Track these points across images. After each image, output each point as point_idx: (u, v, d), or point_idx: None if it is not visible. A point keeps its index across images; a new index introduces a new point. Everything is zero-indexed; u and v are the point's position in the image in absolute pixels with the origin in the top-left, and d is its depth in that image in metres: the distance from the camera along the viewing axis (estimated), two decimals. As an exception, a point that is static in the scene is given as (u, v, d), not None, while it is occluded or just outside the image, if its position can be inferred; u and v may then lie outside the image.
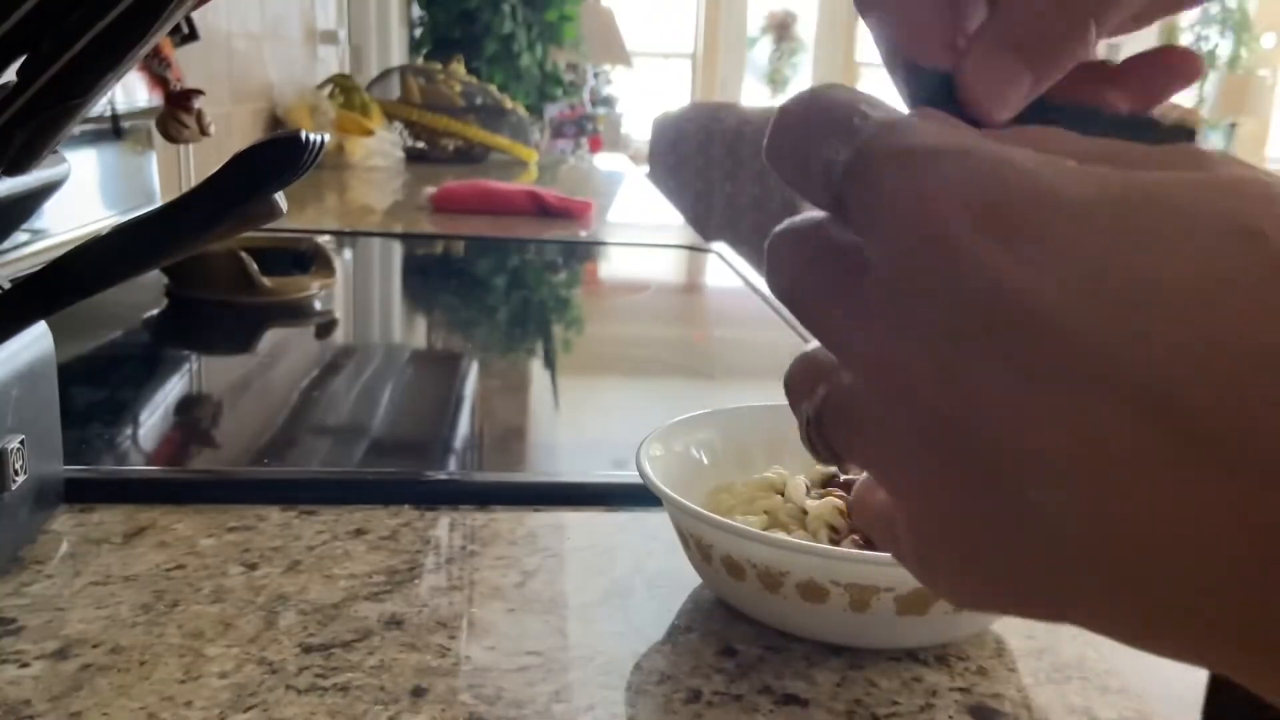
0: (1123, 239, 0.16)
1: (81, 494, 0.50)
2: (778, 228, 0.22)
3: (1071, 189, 0.17)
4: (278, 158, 0.37)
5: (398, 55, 3.51)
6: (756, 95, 7.66)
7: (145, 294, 0.94)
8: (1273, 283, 0.15)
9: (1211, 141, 7.37)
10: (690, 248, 1.40)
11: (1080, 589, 0.18)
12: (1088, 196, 0.17)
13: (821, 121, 0.21)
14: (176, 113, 1.14)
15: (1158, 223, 0.16)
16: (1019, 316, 0.17)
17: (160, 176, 1.27)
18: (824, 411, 0.22)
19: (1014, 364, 0.17)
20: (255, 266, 0.90)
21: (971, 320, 0.17)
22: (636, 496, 0.52)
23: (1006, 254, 0.17)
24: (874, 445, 0.21)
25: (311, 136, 0.37)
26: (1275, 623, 0.16)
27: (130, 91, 1.16)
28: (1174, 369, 0.16)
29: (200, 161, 1.45)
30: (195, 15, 1.18)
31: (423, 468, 0.59)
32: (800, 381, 0.23)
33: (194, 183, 0.36)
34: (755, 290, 1.09)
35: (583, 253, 1.40)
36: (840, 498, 0.43)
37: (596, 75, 5.61)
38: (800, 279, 0.22)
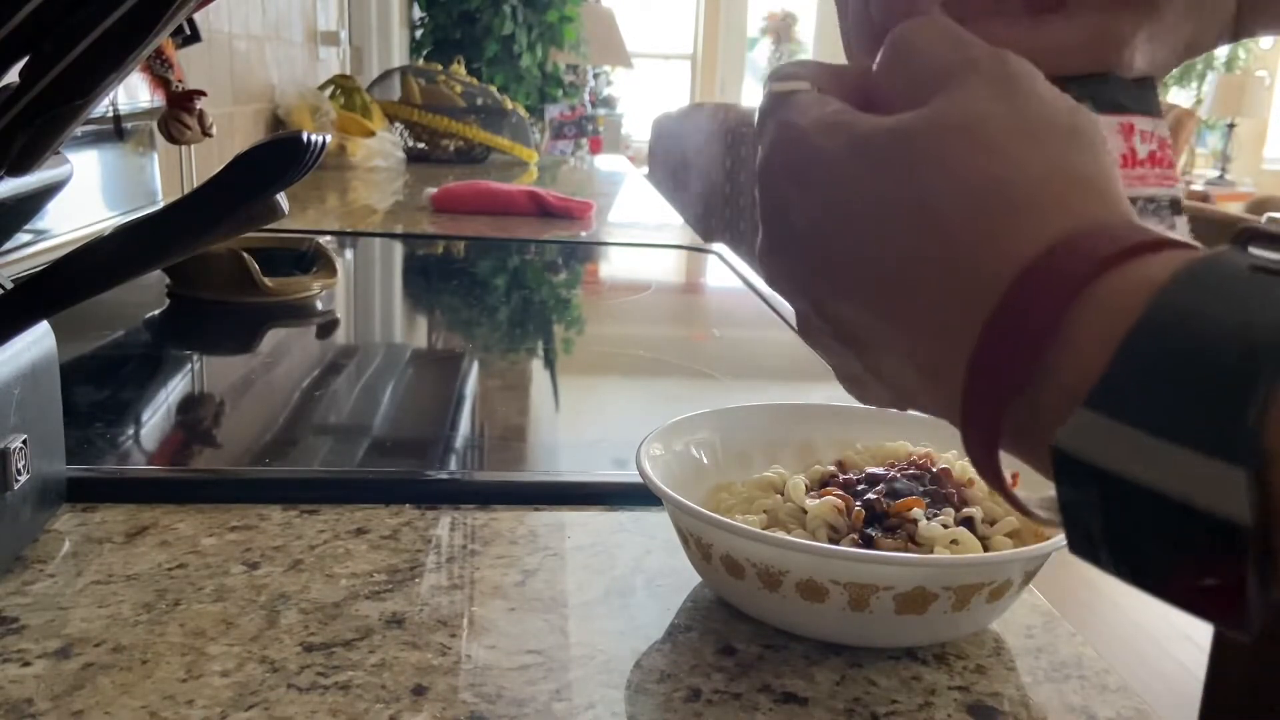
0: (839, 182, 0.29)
1: (84, 493, 0.50)
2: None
3: (823, 141, 0.30)
4: (279, 158, 0.38)
5: (398, 56, 3.51)
6: (756, 96, 7.65)
7: (147, 294, 0.94)
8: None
9: (1209, 141, 7.37)
10: (690, 248, 1.41)
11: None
12: (834, 146, 0.29)
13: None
14: (178, 113, 1.14)
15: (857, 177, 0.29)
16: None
17: (162, 177, 1.27)
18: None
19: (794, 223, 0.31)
20: (257, 267, 0.91)
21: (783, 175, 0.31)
22: (636, 496, 0.52)
23: (792, 186, 0.30)
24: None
25: (313, 137, 0.37)
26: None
27: (132, 92, 1.17)
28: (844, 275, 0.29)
29: (202, 162, 1.45)
30: (197, 16, 1.18)
31: (424, 467, 0.59)
32: None
33: (196, 183, 0.37)
34: (755, 290, 1.09)
35: (583, 253, 1.40)
36: (840, 497, 0.43)
37: (596, 76, 5.60)
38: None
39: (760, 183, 0.32)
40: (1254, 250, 0.23)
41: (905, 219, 0.27)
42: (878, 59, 0.31)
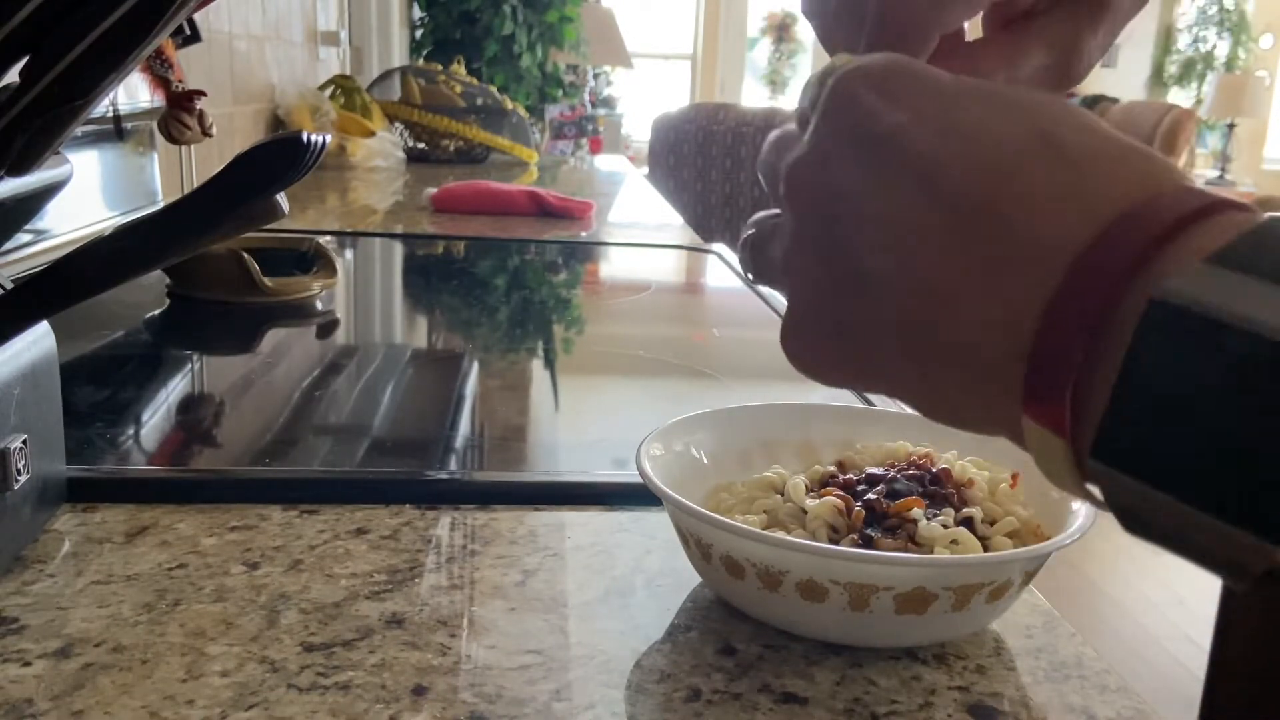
0: (953, 103, 0.27)
1: (84, 493, 0.50)
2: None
3: (934, 76, 0.28)
4: (279, 158, 0.38)
5: (398, 56, 3.51)
6: (756, 96, 7.66)
7: (147, 294, 0.94)
8: (1017, 137, 0.26)
9: (1209, 141, 7.38)
10: (690, 248, 1.41)
11: (887, 337, 0.28)
12: (943, 81, 0.28)
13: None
14: (178, 114, 1.14)
15: (973, 101, 0.27)
16: (885, 140, 0.27)
17: (162, 177, 1.27)
18: (758, 236, 0.33)
19: (874, 171, 0.28)
20: (257, 267, 0.91)
21: (853, 142, 0.28)
22: (636, 496, 0.52)
23: (887, 105, 0.28)
24: (782, 254, 0.31)
25: (313, 137, 0.37)
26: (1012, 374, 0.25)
27: (132, 92, 1.17)
28: (953, 168, 0.26)
29: (202, 162, 1.45)
30: (197, 17, 1.18)
31: (424, 467, 0.59)
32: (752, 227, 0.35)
33: (196, 183, 0.37)
34: (755, 290, 1.09)
35: (583, 253, 1.40)
36: (840, 497, 0.43)
37: (596, 76, 5.60)
38: (768, 156, 0.33)
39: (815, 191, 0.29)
40: None
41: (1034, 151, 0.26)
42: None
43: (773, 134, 0.34)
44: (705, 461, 0.50)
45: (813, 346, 0.30)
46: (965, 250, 0.26)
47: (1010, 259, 0.25)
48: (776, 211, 0.32)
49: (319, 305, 0.96)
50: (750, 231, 0.34)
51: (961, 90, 0.28)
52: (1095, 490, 0.25)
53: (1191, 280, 0.22)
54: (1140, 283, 0.23)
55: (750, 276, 0.35)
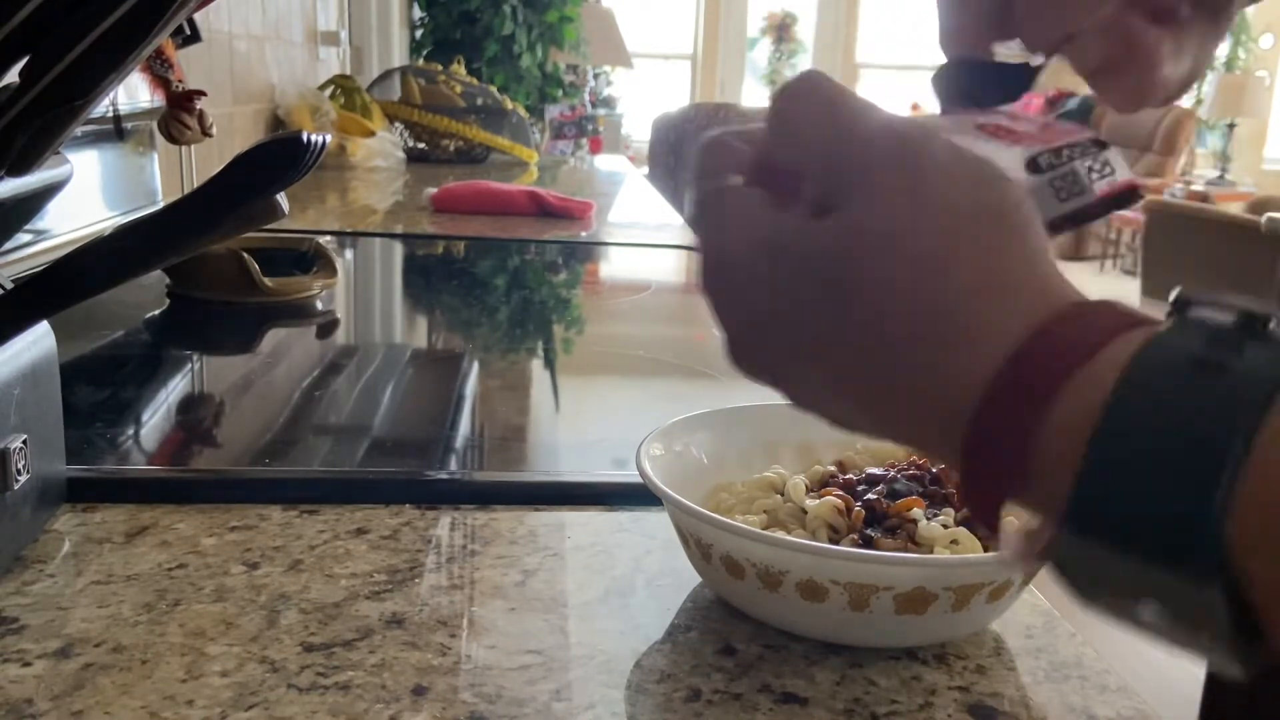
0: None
1: (84, 493, 0.50)
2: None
3: (748, 254, 0.29)
4: (279, 158, 0.38)
5: (398, 56, 3.51)
6: (756, 96, 7.66)
7: (147, 294, 0.94)
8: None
9: (1209, 141, 7.37)
10: (690, 248, 1.40)
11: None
12: (759, 256, 0.29)
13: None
14: (178, 114, 1.14)
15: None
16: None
17: (162, 177, 1.27)
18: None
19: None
20: (257, 267, 0.91)
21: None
22: (636, 496, 0.52)
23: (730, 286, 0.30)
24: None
25: (313, 137, 0.37)
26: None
27: (132, 92, 1.16)
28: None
29: (202, 162, 1.45)
30: (197, 17, 1.18)
31: (424, 467, 0.59)
32: None
33: (196, 183, 0.37)
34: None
35: (583, 253, 1.40)
36: (840, 497, 0.43)
37: (597, 76, 5.60)
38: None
39: (703, 283, 0.31)
40: (1195, 315, 0.23)
41: (856, 335, 0.27)
42: (766, 127, 0.30)
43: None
44: (705, 461, 0.50)
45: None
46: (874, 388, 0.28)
47: (921, 403, 0.27)
48: None
49: (319, 305, 0.96)
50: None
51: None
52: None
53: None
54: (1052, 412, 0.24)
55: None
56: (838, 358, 0.28)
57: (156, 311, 0.91)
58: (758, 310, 0.29)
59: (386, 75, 2.41)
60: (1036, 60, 0.36)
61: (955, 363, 0.26)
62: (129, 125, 1.16)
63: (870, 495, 0.44)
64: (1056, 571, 0.25)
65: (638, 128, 6.18)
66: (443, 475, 0.57)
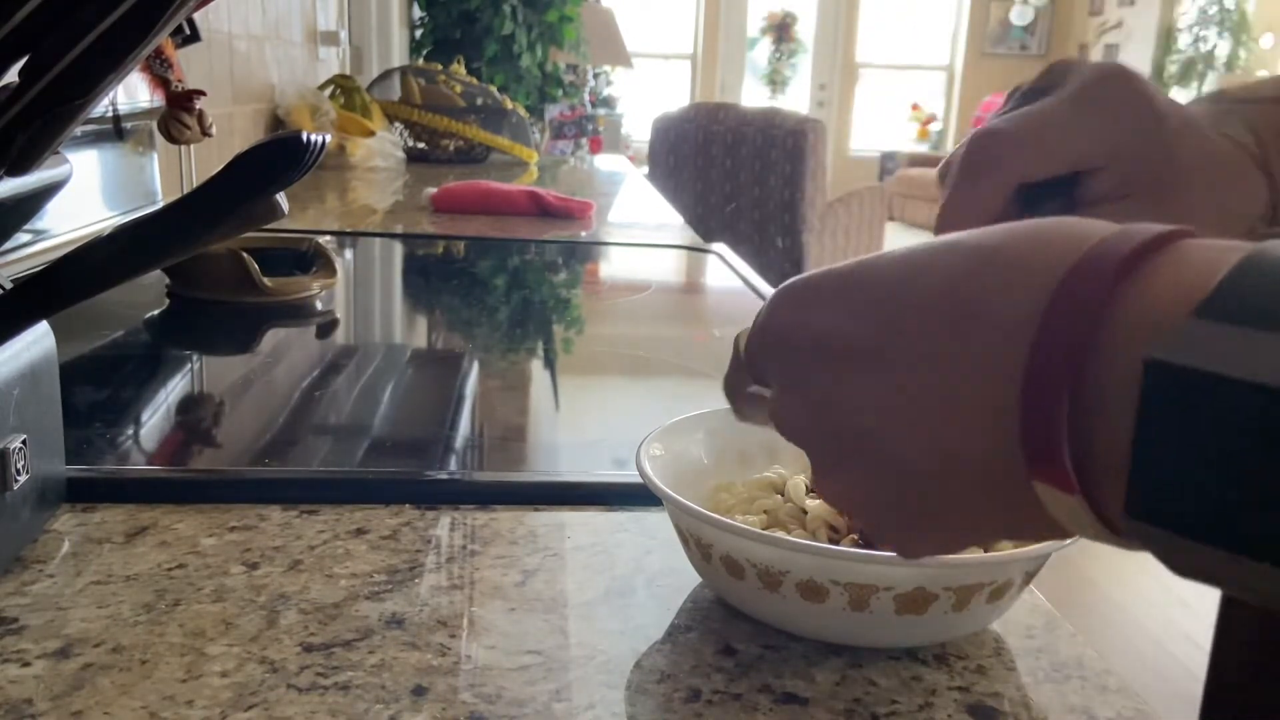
0: (851, 281, 0.31)
1: (83, 493, 0.50)
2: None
3: (822, 276, 0.32)
4: (279, 158, 0.37)
5: (398, 56, 3.51)
6: (756, 96, 7.66)
7: (146, 294, 0.94)
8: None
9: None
10: (690, 248, 1.40)
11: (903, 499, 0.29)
12: (833, 273, 0.32)
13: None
14: (178, 113, 1.14)
15: (868, 270, 0.31)
16: (819, 342, 0.31)
17: (162, 177, 1.27)
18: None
19: (828, 370, 0.30)
20: (256, 267, 0.91)
21: (800, 362, 0.32)
22: (636, 496, 0.52)
23: (801, 317, 0.32)
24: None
25: (312, 137, 0.37)
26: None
27: (132, 92, 1.17)
28: (896, 323, 0.29)
29: (201, 162, 1.45)
30: (197, 16, 1.18)
31: (423, 467, 0.59)
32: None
33: (195, 183, 0.37)
34: (755, 290, 1.09)
35: (583, 253, 1.40)
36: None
37: (596, 76, 5.60)
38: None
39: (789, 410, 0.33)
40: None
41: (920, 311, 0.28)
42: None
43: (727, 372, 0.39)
44: (705, 461, 0.50)
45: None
46: (941, 383, 0.27)
47: (975, 382, 0.27)
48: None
49: (319, 305, 0.96)
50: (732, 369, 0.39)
51: (848, 270, 0.31)
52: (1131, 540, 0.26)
53: (1185, 340, 0.22)
54: (1111, 323, 0.24)
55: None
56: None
57: (156, 311, 0.91)
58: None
59: (386, 75, 2.41)
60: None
61: (1013, 303, 0.26)
62: (129, 125, 1.16)
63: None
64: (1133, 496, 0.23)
65: (638, 128, 6.18)
66: (443, 475, 0.57)
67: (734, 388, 0.38)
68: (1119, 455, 0.23)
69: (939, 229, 0.40)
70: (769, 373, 0.33)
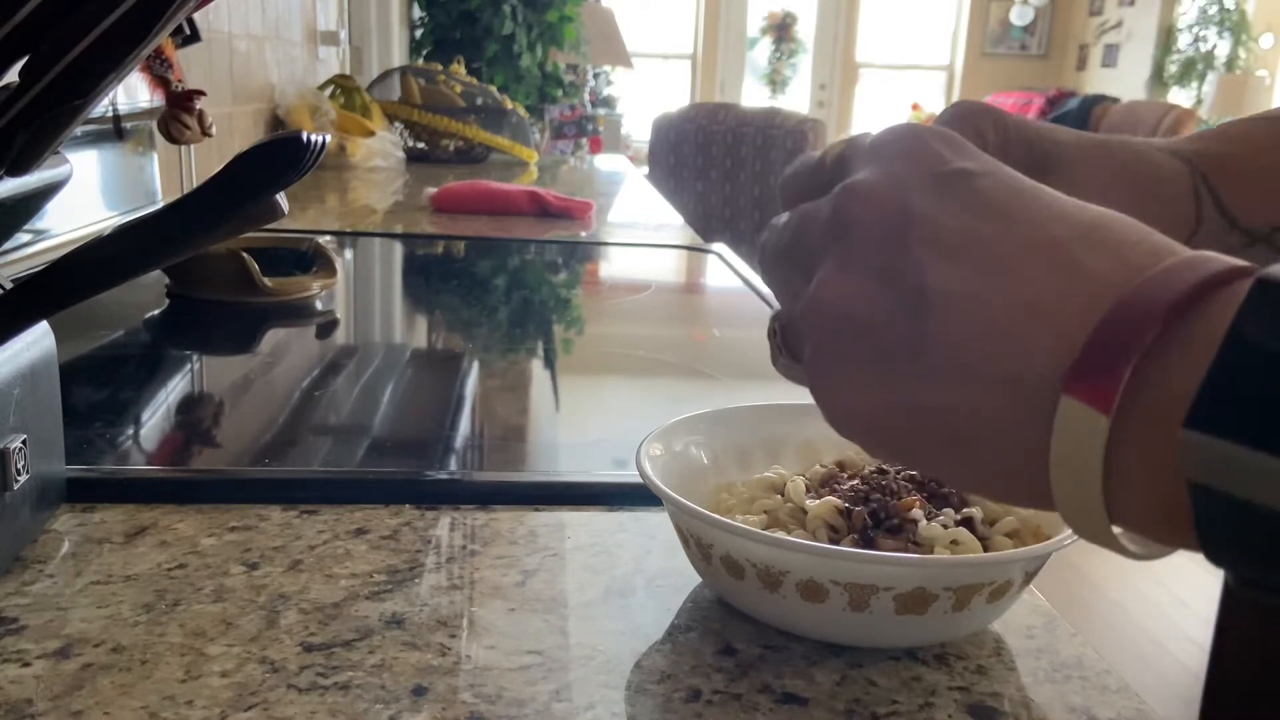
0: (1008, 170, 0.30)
1: (83, 493, 0.50)
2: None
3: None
4: (279, 158, 0.37)
5: (398, 56, 3.51)
6: (756, 96, 7.66)
7: (147, 294, 0.94)
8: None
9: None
10: (690, 248, 1.40)
11: (933, 357, 0.28)
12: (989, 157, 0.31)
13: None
14: (178, 113, 1.14)
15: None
16: (960, 176, 0.29)
17: (162, 177, 1.27)
18: (788, 323, 0.34)
19: (950, 198, 0.29)
20: (256, 267, 0.91)
21: (927, 171, 0.30)
22: (636, 496, 0.52)
23: (955, 153, 0.30)
24: (823, 279, 0.31)
25: (313, 137, 0.37)
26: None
27: (132, 92, 1.17)
28: (1027, 211, 0.28)
29: (201, 162, 1.45)
30: (197, 16, 1.18)
31: (423, 467, 0.59)
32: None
33: (195, 183, 0.37)
34: (755, 290, 1.09)
35: (583, 253, 1.40)
36: (839, 497, 0.43)
37: (597, 76, 5.60)
38: (802, 179, 0.35)
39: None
40: None
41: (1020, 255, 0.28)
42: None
43: (797, 164, 0.35)
44: (705, 461, 0.50)
45: (849, 383, 0.30)
46: (1034, 278, 0.27)
47: (1075, 290, 0.26)
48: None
49: (319, 305, 0.96)
50: (777, 321, 0.35)
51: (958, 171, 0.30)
52: (1122, 538, 0.26)
53: None
54: (1215, 295, 0.24)
55: (782, 357, 0.35)
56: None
57: (156, 311, 0.91)
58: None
59: (386, 75, 2.41)
60: None
61: (1135, 255, 0.26)
62: (129, 125, 1.16)
63: (871, 496, 0.44)
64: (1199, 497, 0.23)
65: (638, 128, 6.18)
66: (443, 475, 0.57)
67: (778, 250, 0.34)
68: (1184, 386, 0.23)
69: None
70: (833, 236, 0.31)
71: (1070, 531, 0.41)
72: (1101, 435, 0.24)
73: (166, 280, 0.94)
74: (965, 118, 0.40)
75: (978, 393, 0.27)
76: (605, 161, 3.04)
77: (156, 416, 0.67)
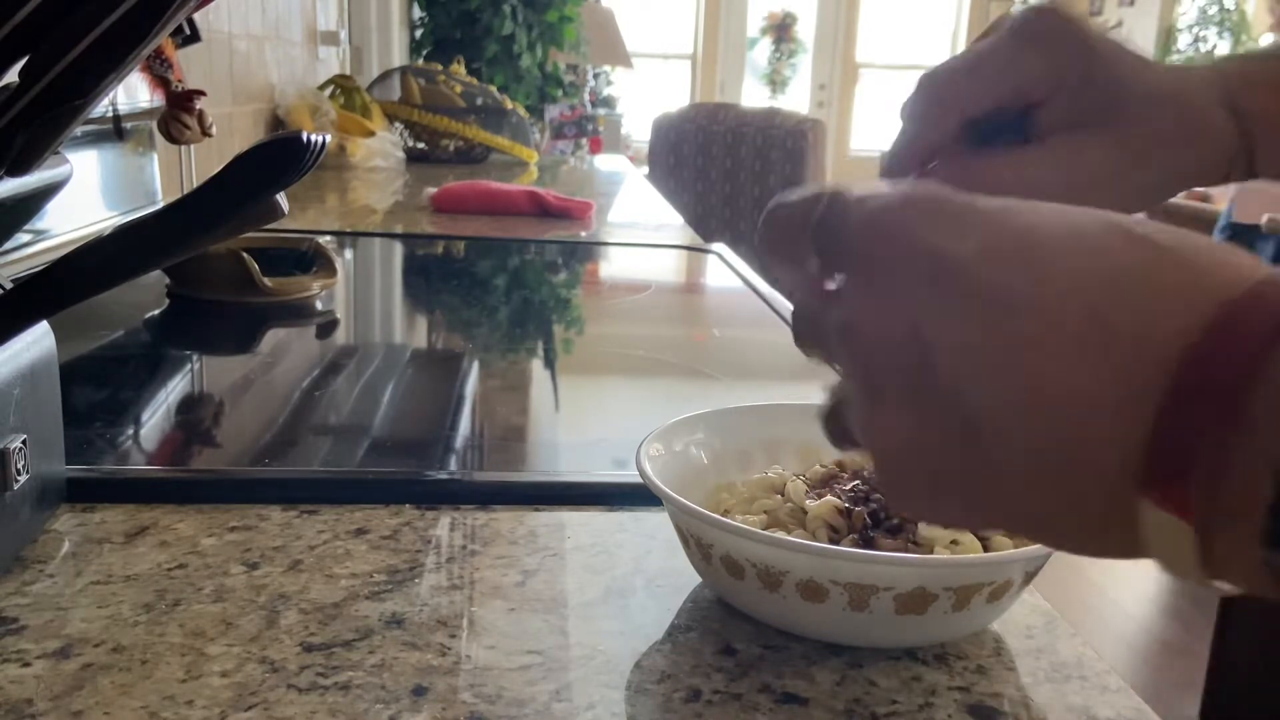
0: (1010, 225, 0.26)
1: (83, 493, 0.50)
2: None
3: (973, 200, 0.27)
4: (279, 158, 0.38)
5: (398, 56, 3.51)
6: (756, 96, 7.66)
7: (147, 294, 0.94)
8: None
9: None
10: (690, 248, 1.40)
11: (1001, 472, 0.26)
12: (987, 204, 0.27)
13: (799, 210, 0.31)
14: (178, 113, 1.14)
15: (1029, 219, 0.27)
16: (959, 272, 0.26)
17: (162, 177, 1.27)
18: (835, 405, 0.31)
19: (955, 305, 0.26)
20: (257, 267, 0.91)
21: (921, 281, 0.26)
22: (636, 496, 0.52)
23: (945, 236, 0.26)
24: (861, 421, 0.29)
25: (313, 137, 0.37)
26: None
27: (132, 92, 1.17)
28: (1047, 287, 0.25)
29: (201, 162, 1.45)
30: (197, 16, 1.18)
31: (423, 467, 0.59)
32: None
33: (195, 183, 0.37)
34: (755, 290, 1.09)
35: (583, 253, 1.40)
36: (839, 497, 0.43)
37: (596, 76, 5.60)
38: (805, 324, 0.31)
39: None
40: None
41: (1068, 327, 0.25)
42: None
43: (776, 209, 0.32)
44: (705, 461, 0.50)
45: (933, 507, 0.29)
46: (1080, 364, 0.24)
47: (1127, 361, 0.24)
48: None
49: (319, 305, 0.96)
50: (828, 402, 0.32)
51: (1009, 211, 0.27)
52: (1223, 584, 0.24)
53: None
54: (1273, 360, 0.22)
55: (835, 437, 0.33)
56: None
57: (156, 311, 0.91)
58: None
59: (386, 75, 2.41)
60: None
61: (1171, 313, 0.24)
62: (129, 125, 1.16)
63: (871, 496, 0.44)
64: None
65: (638, 128, 6.18)
66: (443, 475, 0.57)
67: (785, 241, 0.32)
68: (1259, 486, 0.22)
69: (885, 172, 0.40)
70: (859, 379, 0.29)
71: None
72: (1188, 536, 0.23)
73: (166, 280, 0.94)
74: (1049, 45, 0.39)
75: (1056, 499, 0.26)
76: (605, 161, 3.04)
77: (156, 416, 0.67)
